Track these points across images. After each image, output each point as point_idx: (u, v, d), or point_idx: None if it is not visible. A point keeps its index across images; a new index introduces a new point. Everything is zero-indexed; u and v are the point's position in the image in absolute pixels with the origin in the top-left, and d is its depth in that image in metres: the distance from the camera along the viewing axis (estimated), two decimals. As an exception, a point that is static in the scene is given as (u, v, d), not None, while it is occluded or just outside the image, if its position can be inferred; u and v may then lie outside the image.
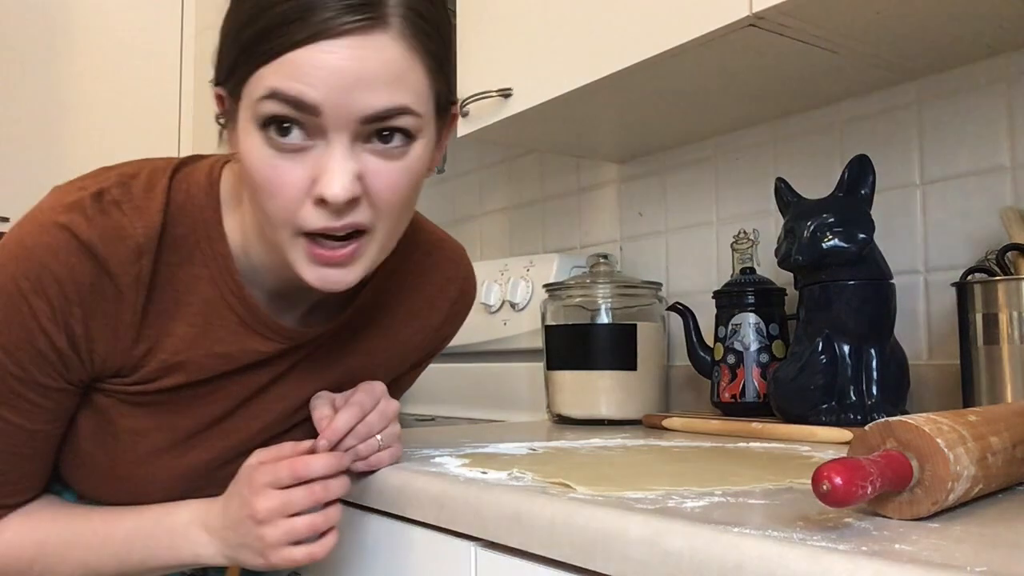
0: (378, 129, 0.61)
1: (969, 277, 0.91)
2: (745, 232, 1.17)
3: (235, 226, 0.71)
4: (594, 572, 0.51)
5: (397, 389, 0.91)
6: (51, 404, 0.69)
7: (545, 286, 1.29)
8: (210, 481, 0.76)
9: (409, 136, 0.62)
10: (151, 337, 0.70)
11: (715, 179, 1.33)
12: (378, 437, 0.73)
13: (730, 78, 1.05)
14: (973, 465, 0.48)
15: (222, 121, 0.68)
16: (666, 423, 1.07)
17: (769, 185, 1.21)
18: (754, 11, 0.84)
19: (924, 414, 0.50)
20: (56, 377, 0.67)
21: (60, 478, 0.78)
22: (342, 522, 0.81)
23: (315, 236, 0.62)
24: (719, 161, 1.32)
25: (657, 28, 0.95)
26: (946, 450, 0.46)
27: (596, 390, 1.18)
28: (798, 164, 1.20)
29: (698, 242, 1.35)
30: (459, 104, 1.23)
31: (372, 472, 0.74)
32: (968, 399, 0.89)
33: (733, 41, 0.91)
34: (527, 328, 1.45)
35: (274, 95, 0.58)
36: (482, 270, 1.60)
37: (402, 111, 0.61)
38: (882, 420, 0.49)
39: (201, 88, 2.27)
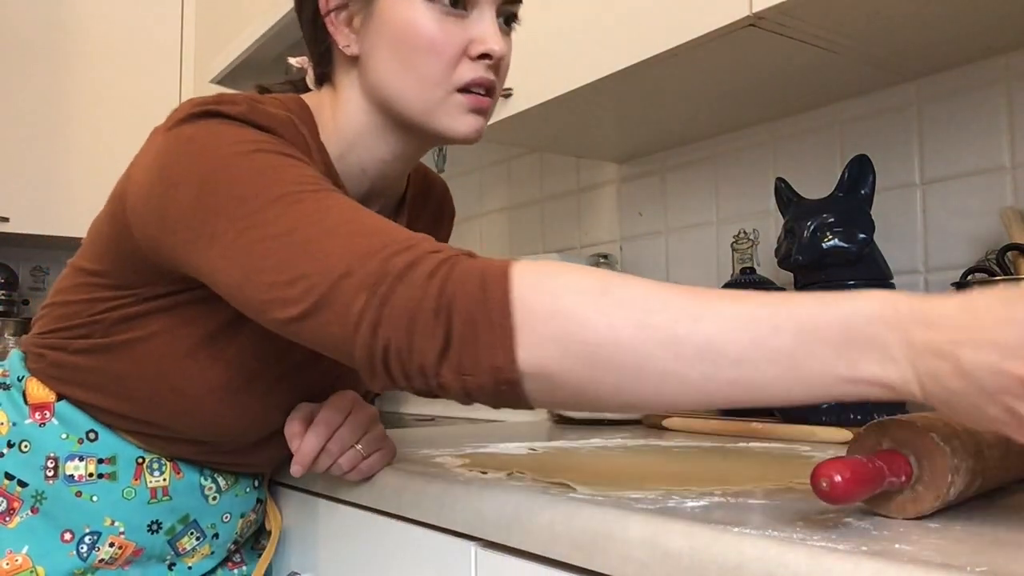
0: (508, 9, 0.75)
1: (969, 277, 0.91)
2: (745, 232, 1.17)
3: (326, 137, 0.75)
4: (594, 572, 0.51)
5: None
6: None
7: (545, 286, 1.29)
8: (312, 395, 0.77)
9: (514, 15, 0.77)
10: None
11: (715, 179, 1.33)
12: (358, 447, 0.73)
13: (730, 78, 1.05)
14: (970, 458, 0.48)
15: (335, 11, 0.74)
16: (666, 423, 1.07)
17: (769, 185, 1.21)
18: (754, 11, 0.84)
19: (917, 413, 0.50)
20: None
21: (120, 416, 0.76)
22: (343, 523, 0.81)
23: (468, 90, 0.72)
24: (719, 161, 1.32)
25: (657, 28, 0.95)
26: (942, 443, 0.46)
27: (596, 390, 1.17)
28: (798, 164, 1.20)
29: (698, 242, 1.35)
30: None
31: (369, 477, 0.74)
32: (968, 399, 0.89)
33: (733, 41, 0.91)
34: (527, 328, 1.45)
35: None
36: (482, 270, 1.60)
37: None
38: (876, 421, 0.49)
39: (201, 88, 2.27)
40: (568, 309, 0.48)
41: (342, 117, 0.76)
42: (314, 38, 0.77)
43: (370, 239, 0.55)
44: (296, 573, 0.86)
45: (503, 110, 1.18)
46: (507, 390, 0.50)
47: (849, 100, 1.14)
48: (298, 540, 0.88)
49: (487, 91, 0.74)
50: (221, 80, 1.88)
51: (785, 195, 1.04)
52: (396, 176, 0.80)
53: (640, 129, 1.29)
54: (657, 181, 1.42)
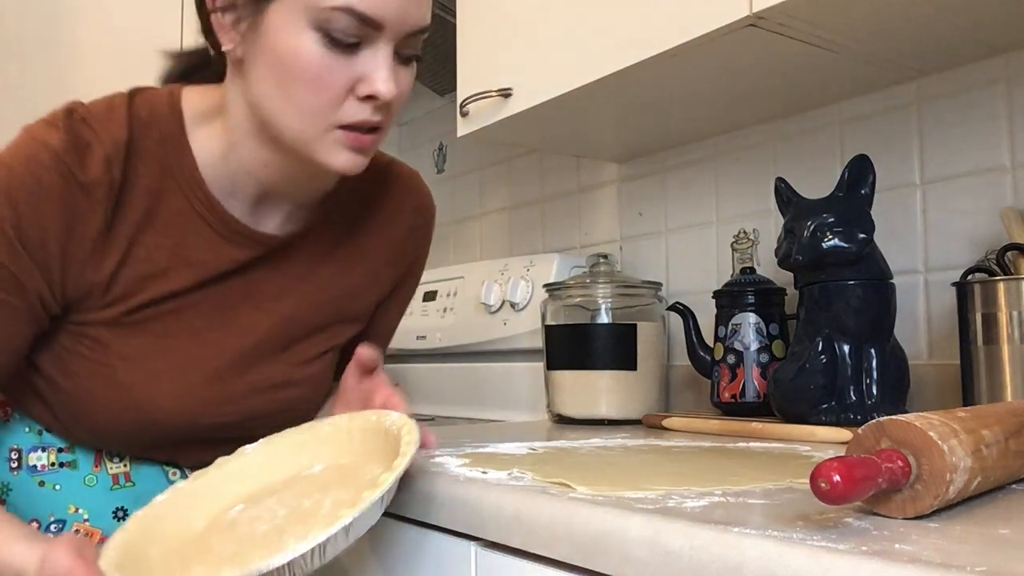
0: (407, 52, 0.71)
1: (969, 277, 0.91)
2: (745, 232, 1.17)
3: (206, 139, 0.75)
4: (594, 572, 0.50)
5: (384, 332, 0.95)
6: None
7: (545, 286, 1.29)
8: (216, 400, 0.77)
9: (419, 49, 0.72)
10: (121, 248, 0.72)
11: (715, 179, 1.33)
12: None
13: (730, 78, 1.05)
14: (968, 456, 0.48)
15: (221, 10, 0.71)
16: (666, 423, 1.07)
17: (769, 185, 1.21)
18: (754, 11, 0.84)
19: (914, 413, 0.50)
20: (5, 287, 0.68)
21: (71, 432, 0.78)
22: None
23: (350, 128, 0.70)
24: (719, 161, 1.32)
25: (657, 28, 0.95)
26: (940, 442, 0.46)
27: (596, 390, 1.18)
28: (798, 164, 1.20)
29: (698, 242, 1.35)
30: (460, 105, 1.24)
31: None
32: (968, 399, 0.89)
33: (733, 41, 0.91)
34: (527, 328, 1.45)
35: (348, 10, 0.65)
36: (482, 270, 1.60)
37: (427, 28, 0.71)
38: (874, 421, 0.49)
39: (201, 88, 2.27)
40: None
41: (228, 115, 0.74)
42: (205, 31, 0.75)
43: None
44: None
45: (503, 110, 1.18)
46: None
47: (849, 100, 1.14)
48: (298, 540, 0.88)
49: (372, 129, 0.71)
50: (221, 80, 1.87)
51: (785, 195, 1.04)
52: (289, 185, 0.78)
53: (640, 129, 1.29)
54: (657, 181, 1.42)
